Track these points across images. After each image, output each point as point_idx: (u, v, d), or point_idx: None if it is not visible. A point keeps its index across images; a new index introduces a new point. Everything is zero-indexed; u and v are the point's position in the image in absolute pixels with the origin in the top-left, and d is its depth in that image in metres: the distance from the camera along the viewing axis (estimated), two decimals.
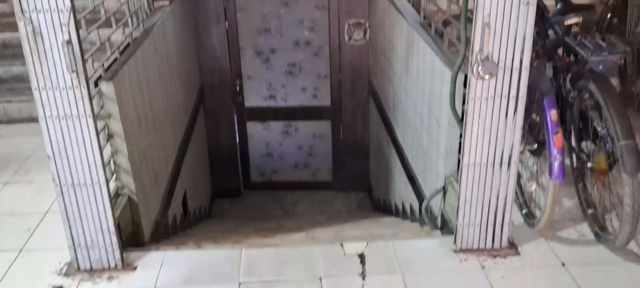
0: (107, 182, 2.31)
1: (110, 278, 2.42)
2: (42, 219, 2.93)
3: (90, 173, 2.27)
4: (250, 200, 5.99)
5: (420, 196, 3.63)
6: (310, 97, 5.71)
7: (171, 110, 4.09)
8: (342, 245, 2.56)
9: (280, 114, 5.77)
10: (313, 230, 3.56)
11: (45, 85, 2.17)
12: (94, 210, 2.33)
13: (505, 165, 2.34)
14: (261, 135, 5.90)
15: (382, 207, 5.14)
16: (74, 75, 2.14)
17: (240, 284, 2.34)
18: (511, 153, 2.32)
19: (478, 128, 2.28)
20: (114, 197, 2.96)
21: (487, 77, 2.14)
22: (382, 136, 5.02)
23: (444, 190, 3.08)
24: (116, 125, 2.81)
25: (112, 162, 2.94)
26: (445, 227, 3.05)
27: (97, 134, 2.24)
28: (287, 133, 5.87)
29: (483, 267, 2.39)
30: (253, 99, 5.74)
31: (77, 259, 2.43)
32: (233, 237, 3.31)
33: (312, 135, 5.88)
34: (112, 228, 2.37)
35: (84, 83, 2.18)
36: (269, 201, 5.94)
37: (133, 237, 3.03)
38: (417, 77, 3.59)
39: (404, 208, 4.22)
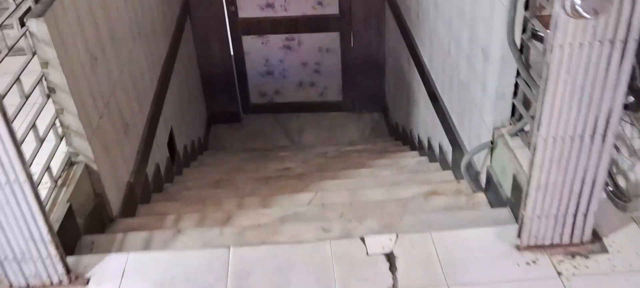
0: (30, 178, 1.63)
1: None
2: None
3: (4, 170, 1.58)
4: (251, 126, 5.31)
5: (453, 138, 2.93)
6: (315, 4, 4.87)
7: (144, 34, 3.32)
8: (363, 239, 1.91)
9: (280, 26, 4.96)
10: (322, 186, 2.90)
11: None
12: (19, 216, 1.67)
13: (598, 138, 1.62)
14: (259, 51, 5.12)
15: (402, 135, 4.46)
16: None
17: None
18: (609, 120, 1.60)
19: (565, 88, 1.54)
20: (67, 167, 2.30)
21: (589, 15, 1.38)
22: (402, 52, 4.24)
23: (492, 144, 2.38)
24: (57, 76, 2.10)
25: (58, 122, 2.25)
26: (491, 189, 2.38)
27: (4, 115, 1.52)
28: (289, 47, 5.09)
29: (560, 274, 1.74)
30: (248, 8, 4.91)
31: (7, 276, 1.80)
32: (225, 203, 2.66)
33: (318, 49, 5.10)
34: (47, 237, 1.72)
35: None
36: (271, 127, 5.26)
37: (97, 212, 2.39)
38: None
39: (430, 144, 3.54)
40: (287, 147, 4.79)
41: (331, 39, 5.02)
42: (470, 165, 2.56)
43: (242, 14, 4.92)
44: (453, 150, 3.00)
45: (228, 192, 2.99)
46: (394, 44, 4.55)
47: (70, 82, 2.16)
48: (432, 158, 3.50)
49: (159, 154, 3.40)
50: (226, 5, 4.87)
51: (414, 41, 3.74)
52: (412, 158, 3.62)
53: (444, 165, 3.20)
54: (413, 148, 4.06)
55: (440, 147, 3.27)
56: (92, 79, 2.40)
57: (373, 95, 5.27)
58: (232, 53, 5.09)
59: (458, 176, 2.93)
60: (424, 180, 2.97)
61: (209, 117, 5.29)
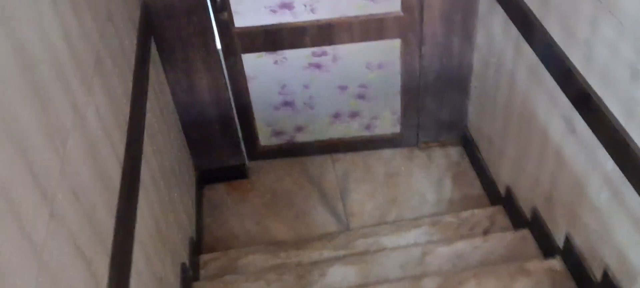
0: None
1: None
2: None
3: None
4: (265, 183, 3.49)
5: None
6: (362, 0, 2.95)
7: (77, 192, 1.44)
8: None
9: (304, 36, 3.04)
10: None
11: None
12: None
13: None
14: (271, 74, 3.22)
15: (531, 220, 2.70)
16: None
17: None
18: None
19: None
20: None
21: None
22: (544, 103, 2.41)
23: None
24: None
25: None
26: None
27: None
28: (319, 66, 3.19)
29: None
30: (249, 13, 2.96)
31: None
32: None
33: (364, 66, 3.22)
34: None
35: None
36: (297, 183, 3.45)
37: None
38: None
39: None
40: (333, 238, 2.99)
41: (387, 48, 3.13)
42: None
43: (241, 22, 2.97)
44: None
45: None
46: (509, 66, 2.69)
47: None
48: None
49: None
50: (214, 12, 2.91)
51: (584, 86, 1.91)
52: None
53: None
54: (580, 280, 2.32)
55: None
56: None
57: (449, 123, 3.45)
58: (227, 81, 3.17)
59: None
60: None
61: (199, 178, 3.43)
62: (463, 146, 3.51)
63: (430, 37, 3.03)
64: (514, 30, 2.55)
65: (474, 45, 3.08)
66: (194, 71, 3.03)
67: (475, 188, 3.29)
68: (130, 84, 2.25)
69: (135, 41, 2.49)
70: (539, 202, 2.61)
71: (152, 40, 2.83)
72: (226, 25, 2.97)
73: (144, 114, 2.32)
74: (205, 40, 2.94)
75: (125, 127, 2.06)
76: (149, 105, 2.45)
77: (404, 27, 3.01)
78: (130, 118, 2.12)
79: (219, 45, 3.04)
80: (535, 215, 2.63)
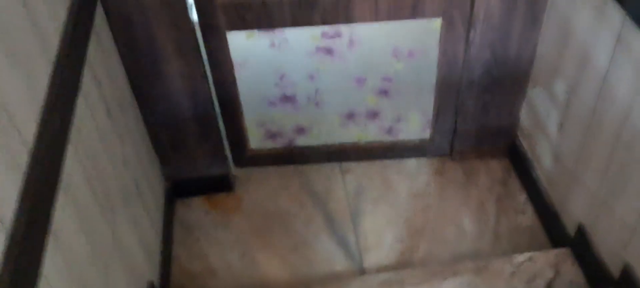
0: None
1: None
2: None
3: None
4: (254, 201, 2.71)
5: None
6: None
7: None
8: None
9: (312, 10, 2.24)
10: None
11: None
12: None
13: None
14: (266, 60, 2.42)
15: (609, 277, 1.94)
16: None
17: None
18: None
19: None
20: None
21: None
22: None
23: None
24: None
25: None
26: None
27: None
28: (330, 51, 2.40)
29: None
30: None
31: None
32: None
33: (390, 53, 2.42)
34: None
35: None
36: (295, 200, 2.68)
37: None
38: None
39: None
40: (343, 284, 2.23)
41: (422, 31, 2.34)
42: None
43: None
44: None
45: None
46: (601, 64, 1.91)
47: None
48: None
49: None
50: None
51: None
52: None
53: None
54: None
55: None
56: None
57: (495, 130, 2.68)
58: (206, 67, 2.38)
59: None
60: None
61: (169, 191, 2.65)
62: (510, 159, 2.74)
63: (483, 17, 2.24)
64: (616, 14, 1.77)
65: (540, 31, 2.29)
66: (161, 54, 2.24)
67: (528, 218, 2.53)
68: (48, 78, 1.47)
69: (65, 11, 1.69)
70: (636, 257, 1.85)
71: (100, 9, 2.03)
72: None
73: (69, 123, 1.53)
74: (177, 12, 2.13)
75: (24, 154, 1.27)
76: (84, 106, 1.66)
77: (448, 2, 2.21)
78: (39, 136, 1.34)
79: (195, 19, 2.24)
80: (628, 275, 1.88)
